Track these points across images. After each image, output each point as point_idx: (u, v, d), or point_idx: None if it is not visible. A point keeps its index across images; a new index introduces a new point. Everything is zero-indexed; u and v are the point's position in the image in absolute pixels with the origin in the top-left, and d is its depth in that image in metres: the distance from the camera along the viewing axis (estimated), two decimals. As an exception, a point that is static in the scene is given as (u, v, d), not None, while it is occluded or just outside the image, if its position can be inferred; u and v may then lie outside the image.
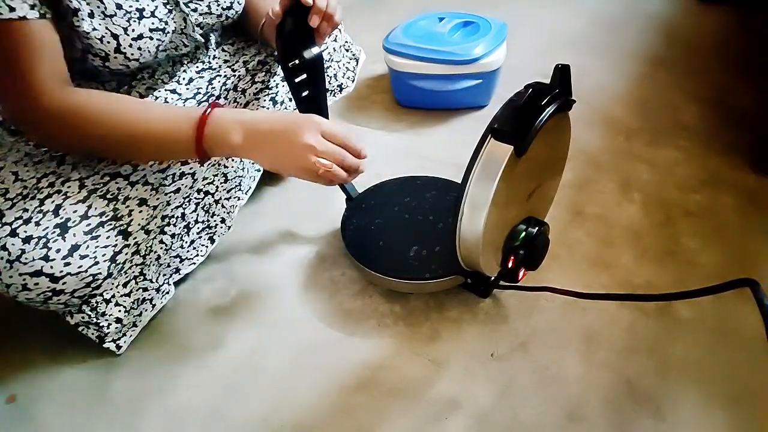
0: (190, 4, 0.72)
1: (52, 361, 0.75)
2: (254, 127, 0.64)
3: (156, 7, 0.67)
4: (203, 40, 0.78)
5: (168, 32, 0.70)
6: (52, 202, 0.62)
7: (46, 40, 0.59)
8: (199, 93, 0.79)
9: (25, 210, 0.61)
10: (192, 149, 0.64)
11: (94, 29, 0.62)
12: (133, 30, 0.65)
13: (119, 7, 0.64)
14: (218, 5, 0.75)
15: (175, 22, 0.70)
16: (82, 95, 0.62)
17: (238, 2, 0.78)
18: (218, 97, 0.81)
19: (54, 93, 0.59)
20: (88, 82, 0.70)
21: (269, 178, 1.01)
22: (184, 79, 0.79)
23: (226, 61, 0.84)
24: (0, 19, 0.55)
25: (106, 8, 0.63)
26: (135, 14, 0.65)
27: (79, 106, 0.61)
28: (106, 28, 0.63)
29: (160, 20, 0.68)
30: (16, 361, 0.75)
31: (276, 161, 0.65)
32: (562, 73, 0.59)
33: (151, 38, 0.67)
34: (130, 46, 0.66)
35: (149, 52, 0.68)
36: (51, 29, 0.59)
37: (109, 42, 0.64)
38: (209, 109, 0.64)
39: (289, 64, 0.73)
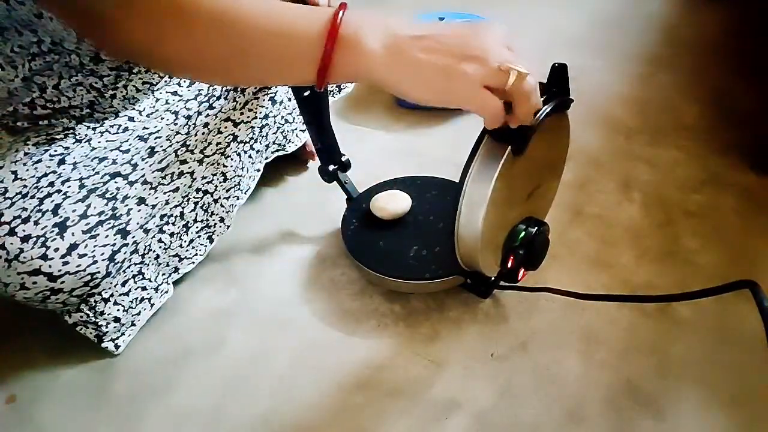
0: None
1: (52, 361, 0.75)
2: (401, 27, 0.46)
3: None
4: None
5: None
6: (52, 201, 0.62)
7: None
8: (201, 94, 0.79)
9: (24, 209, 0.61)
10: (315, 59, 0.46)
11: None
12: None
13: None
14: None
15: None
16: None
17: None
18: (219, 97, 0.81)
19: None
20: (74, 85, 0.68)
21: (269, 179, 1.01)
22: (185, 81, 0.79)
23: None
24: None
25: None
26: None
27: None
28: None
29: None
30: (16, 361, 0.75)
31: (434, 76, 0.46)
32: (559, 72, 0.59)
33: None
34: None
35: None
36: None
37: None
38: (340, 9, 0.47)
39: None
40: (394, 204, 0.83)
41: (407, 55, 0.45)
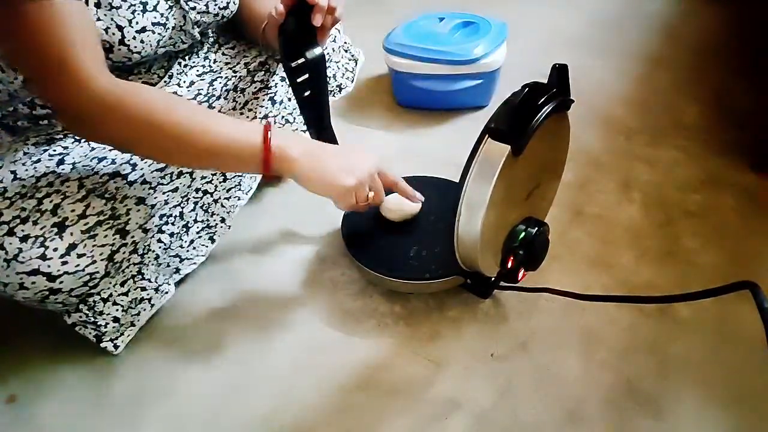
0: (189, 2, 0.72)
1: (52, 361, 0.75)
2: (311, 143, 0.72)
3: (158, 1, 0.68)
4: (200, 38, 0.78)
5: (168, 28, 0.70)
6: (51, 201, 0.62)
7: (86, 22, 0.57)
8: (200, 94, 0.79)
9: (23, 209, 0.61)
10: (259, 161, 0.65)
11: (99, 20, 0.62)
12: (137, 23, 0.65)
13: None
14: (216, 5, 0.75)
15: (174, 18, 0.71)
16: (129, 84, 0.60)
17: (233, 2, 0.79)
18: (218, 98, 0.81)
19: (103, 78, 0.57)
20: None
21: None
22: (185, 82, 0.79)
23: (227, 63, 0.85)
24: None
25: (112, 0, 0.63)
26: (139, 7, 0.65)
27: (130, 92, 0.59)
28: (112, 19, 0.63)
29: (162, 15, 0.68)
30: (16, 361, 0.75)
31: (334, 174, 0.68)
32: (560, 72, 0.59)
33: (153, 32, 0.67)
34: (134, 38, 0.65)
35: (151, 45, 0.68)
36: (86, 10, 0.58)
37: (114, 33, 0.64)
38: (266, 126, 0.66)
39: (292, 64, 0.73)
40: (404, 205, 0.82)
41: (319, 160, 0.69)
